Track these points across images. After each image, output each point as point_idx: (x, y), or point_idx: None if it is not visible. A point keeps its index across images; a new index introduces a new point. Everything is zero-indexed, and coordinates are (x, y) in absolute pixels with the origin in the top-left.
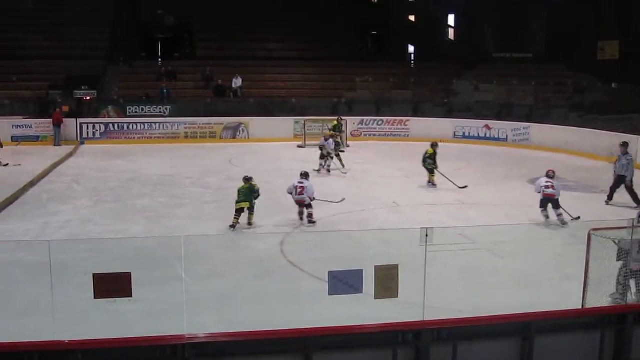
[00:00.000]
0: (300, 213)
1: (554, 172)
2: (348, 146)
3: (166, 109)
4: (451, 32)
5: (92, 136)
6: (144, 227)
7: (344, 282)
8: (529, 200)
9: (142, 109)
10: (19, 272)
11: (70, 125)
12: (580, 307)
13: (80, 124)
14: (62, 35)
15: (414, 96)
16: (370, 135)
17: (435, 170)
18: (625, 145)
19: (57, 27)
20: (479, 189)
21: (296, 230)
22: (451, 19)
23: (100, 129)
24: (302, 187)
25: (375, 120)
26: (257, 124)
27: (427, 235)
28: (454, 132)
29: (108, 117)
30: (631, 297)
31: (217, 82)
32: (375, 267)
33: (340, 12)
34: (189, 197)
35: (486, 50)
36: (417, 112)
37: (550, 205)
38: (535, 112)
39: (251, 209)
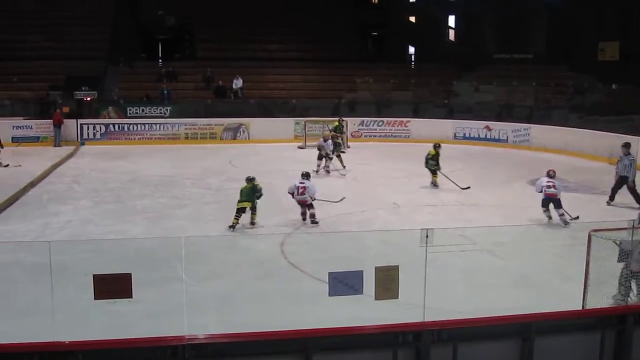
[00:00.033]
0: (303, 213)
1: (554, 172)
2: (349, 147)
3: (166, 109)
4: (451, 33)
5: (92, 137)
6: (145, 227)
7: (344, 283)
8: (529, 201)
9: (143, 110)
10: (19, 273)
11: (70, 126)
12: (580, 308)
13: (81, 124)
14: (62, 36)
15: (414, 97)
16: (370, 136)
17: (437, 172)
18: (627, 145)
19: (57, 27)
20: (479, 190)
21: (296, 231)
22: (451, 20)
23: (100, 130)
24: (304, 187)
25: (376, 121)
26: (257, 124)
27: (427, 236)
28: (455, 133)
29: (108, 118)
30: (632, 298)
31: (218, 82)
32: (376, 268)
33: (341, 12)
34: (190, 198)
35: (486, 51)
36: (417, 113)
37: (551, 205)
38: (535, 113)
39: (254, 209)
